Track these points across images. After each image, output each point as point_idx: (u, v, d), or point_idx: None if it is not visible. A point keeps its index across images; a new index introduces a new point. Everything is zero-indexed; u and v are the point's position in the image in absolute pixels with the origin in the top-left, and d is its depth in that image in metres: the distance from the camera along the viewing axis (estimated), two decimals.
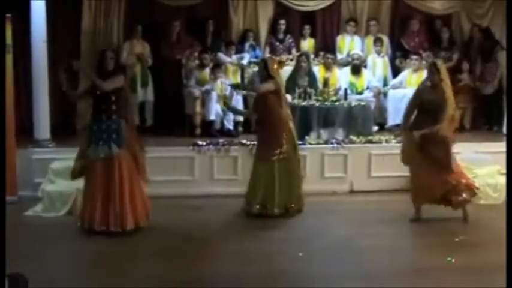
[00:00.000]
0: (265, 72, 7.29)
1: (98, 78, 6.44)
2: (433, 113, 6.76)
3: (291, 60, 10.41)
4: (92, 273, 5.56)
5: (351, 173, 8.55)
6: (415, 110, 6.98)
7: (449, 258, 5.78)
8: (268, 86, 7.20)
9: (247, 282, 5.25)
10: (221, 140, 8.58)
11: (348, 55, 10.66)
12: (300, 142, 8.33)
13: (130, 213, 6.48)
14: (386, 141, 8.77)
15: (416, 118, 6.96)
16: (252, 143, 7.97)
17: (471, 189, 7.01)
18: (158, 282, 5.27)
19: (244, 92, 9.38)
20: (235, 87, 8.97)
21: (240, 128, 9.59)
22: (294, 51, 10.65)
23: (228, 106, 8.26)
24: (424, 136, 6.73)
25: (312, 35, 10.97)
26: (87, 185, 6.55)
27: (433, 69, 6.91)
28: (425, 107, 6.86)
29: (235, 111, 8.60)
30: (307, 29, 10.88)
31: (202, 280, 5.34)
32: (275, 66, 7.54)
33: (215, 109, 9.38)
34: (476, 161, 8.19)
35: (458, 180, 6.90)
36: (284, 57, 10.43)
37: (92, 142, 6.48)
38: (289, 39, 10.74)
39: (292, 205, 7.28)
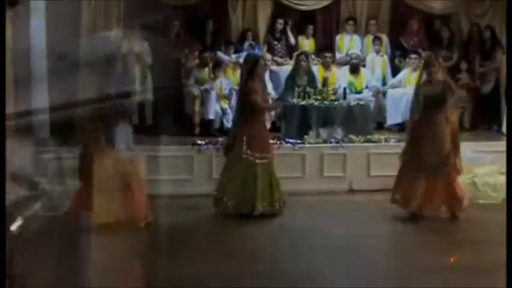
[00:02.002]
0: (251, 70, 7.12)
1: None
2: (438, 103, 6.89)
3: (290, 59, 10.43)
4: (91, 272, 5.55)
5: (350, 172, 8.55)
6: (418, 107, 7.02)
7: (449, 257, 5.79)
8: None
9: (244, 282, 5.23)
10: (220, 139, 8.56)
11: (347, 54, 10.67)
12: (299, 141, 8.38)
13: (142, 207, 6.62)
14: (386, 140, 8.78)
15: (424, 113, 7.01)
16: None
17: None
18: (156, 281, 5.26)
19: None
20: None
21: None
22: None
23: None
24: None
25: (312, 35, 10.97)
26: (98, 184, 6.51)
27: (429, 62, 7.09)
28: (428, 100, 6.93)
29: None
30: (310, 29, 10.85)
31: (200, 280, 5.33)
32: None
33: (214, 108, 9.39)
34: (476, 160, 8.19)
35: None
36: (281, 59, 10.51)
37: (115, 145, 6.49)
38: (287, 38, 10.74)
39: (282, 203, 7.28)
